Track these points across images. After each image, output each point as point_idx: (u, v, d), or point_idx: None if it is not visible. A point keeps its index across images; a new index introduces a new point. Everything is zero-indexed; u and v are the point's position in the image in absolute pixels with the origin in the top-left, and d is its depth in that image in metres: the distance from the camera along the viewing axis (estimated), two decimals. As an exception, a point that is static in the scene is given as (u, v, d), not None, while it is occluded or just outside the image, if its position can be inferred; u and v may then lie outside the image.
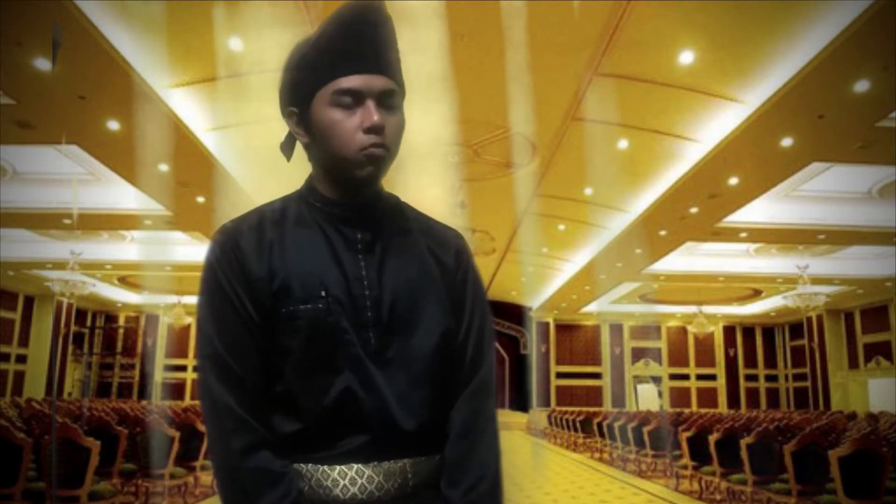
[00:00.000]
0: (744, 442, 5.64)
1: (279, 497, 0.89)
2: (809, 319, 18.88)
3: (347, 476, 0.93)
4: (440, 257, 1.06)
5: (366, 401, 0.94)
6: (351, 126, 0.95)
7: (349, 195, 1.02)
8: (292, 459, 0.94)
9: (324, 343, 0.94)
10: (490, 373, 1.04)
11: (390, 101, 0.98)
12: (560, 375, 21.40)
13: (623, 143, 8.20)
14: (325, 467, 0.93)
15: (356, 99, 0.96)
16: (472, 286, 1.08)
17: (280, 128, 1.06)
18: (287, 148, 1.07)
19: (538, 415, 19.13)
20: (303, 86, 0.99)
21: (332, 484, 0.93)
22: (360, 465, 0.93)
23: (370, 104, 0.95)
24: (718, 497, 6.80)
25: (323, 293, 0.95)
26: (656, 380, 22.06)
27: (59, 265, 13.51)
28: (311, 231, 1.00)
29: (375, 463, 0.94)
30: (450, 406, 1.01)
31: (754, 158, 7.57)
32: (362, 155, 0.95)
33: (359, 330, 0.96)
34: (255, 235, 0.98)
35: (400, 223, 1.06)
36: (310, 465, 0.94)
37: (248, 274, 0.95)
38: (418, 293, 1.01)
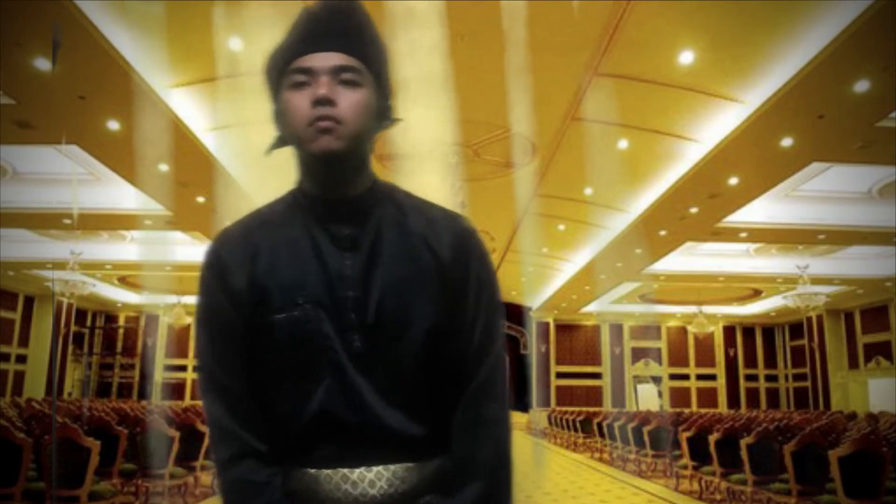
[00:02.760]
0: (744, 442, 5.64)
1: None
2: (809, 319, 18.88)
3: (332, 481, 0.91)
4: (437, 250, 0.97)
5: (349, 407, 0.91)
6: (302, 103, 0.93)
7: (327, 187, 0.97)
8: (279, 466, 0.93)
9: (305, 350, 0.92)
10: (493, 372, 0.96)
11: (348, 76, 0.94)
12: (560, 375, 21.40)
13: (623, 143, 8.19)
14: (311, 471, 0.92)
15: (310, 76, 0.93)
16: (477, 278, 0.98)
17: None
18: (273, 146, 1.04)
19: (538, 415, 19.12)
20: (271, 80, 0.99)
21: (315, 489, 0.91)
22: (345, 471, 0.91)
23: (322, 79, 0.93)
24: (718, 497, 6.79)
25: (301, 300, 0.93)
26: (656, 380, 22.05)
27: (59, 265, 13.50)
28: (297, 233, 0.97)
29: (362, 469, 0.92)
30: (450, 409, 0.96)
31: (754, 158, 7.57)
32: (311, 129, 0.91)
33: (342, 333, 0.93)
34: (240, 243, 0.97)
35: (393, 215, 1.00)
36: (295, 471, 0.93)
37: (230, 285, 0.95)
38: (409, 291, 0.95)
